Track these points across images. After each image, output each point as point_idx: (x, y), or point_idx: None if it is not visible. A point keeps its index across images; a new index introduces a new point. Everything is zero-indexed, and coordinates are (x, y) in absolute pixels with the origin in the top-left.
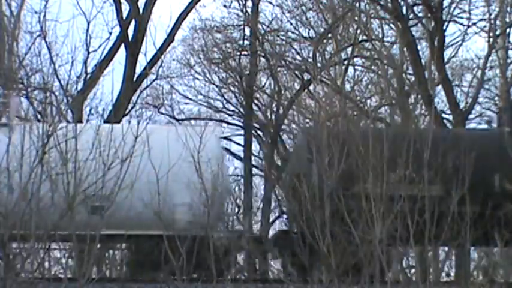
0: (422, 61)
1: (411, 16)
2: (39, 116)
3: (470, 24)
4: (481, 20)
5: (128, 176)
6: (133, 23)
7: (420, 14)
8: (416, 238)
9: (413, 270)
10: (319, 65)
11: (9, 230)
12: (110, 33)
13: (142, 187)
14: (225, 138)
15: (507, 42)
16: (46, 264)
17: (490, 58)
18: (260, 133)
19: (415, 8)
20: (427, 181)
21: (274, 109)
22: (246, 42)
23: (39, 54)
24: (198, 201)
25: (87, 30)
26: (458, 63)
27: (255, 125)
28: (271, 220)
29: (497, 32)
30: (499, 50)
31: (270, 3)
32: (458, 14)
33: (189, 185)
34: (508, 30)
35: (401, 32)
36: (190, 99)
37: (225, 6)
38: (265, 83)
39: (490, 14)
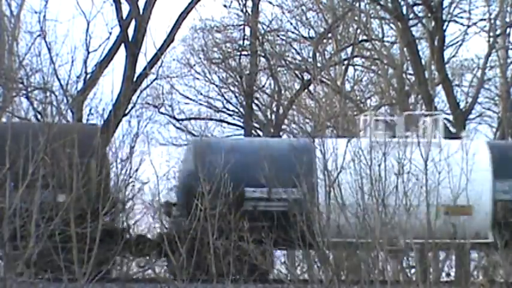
0: (422, 61)
1: (411, 16)
2: (39, 116)
3: (470, 24)
4: (481, 20)
5: None
6: (133, 23)
7: (420, 14)
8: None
9: (413, 270)
10: (319, 65)
11: (9, 230)
12: (110, 33)
13: None
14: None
15: (507, 42)
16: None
17: (490, 58)
18: (260, 133)
19: (415, 8)
20: None
21: (274, 109)
22: (246, 42)
23: (39, 54)
24: None
25: (87, 30)
26: (458, 63)
27: (255, 125)
28: None
29: (497, 32)
30: (499, 50)
31: (270, 3)
32: (458, 14)
33: None
34: (508, 30)
35: (401, 32)
36: (190, 99)
37: (225, 6)
38: (265, 83)
39: (490, 14)
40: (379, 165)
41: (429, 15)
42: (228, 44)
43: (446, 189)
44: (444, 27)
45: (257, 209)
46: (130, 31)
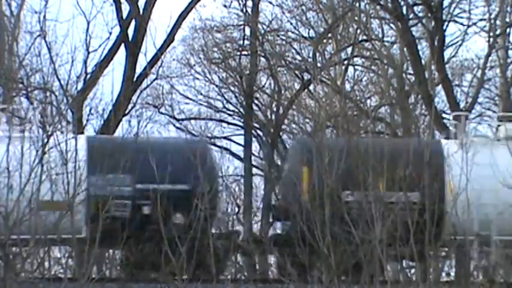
0: (422, 61)
1: (411, 16)
2: (39, 116)
3: (470, 24)
4: (481, 20)
5: None
6: (133, 23)
7: (420, 14)
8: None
9: (413, 270)
10: (319, 65)
11: (9, 231)
12: (110, 33)
13: None
14: (225, 138)
15: (507, 42)
16: (46, 264)
17: (490, 58)
18: (260, 133)
19: (415, 8)
20: None
21: (274, 109)
22: (246, 42)
23: (39, 54)
24: None
25: (87, 30)
26: (458, 63)
27: (255, 125)
28: (271, 220)
29: (497, 32)
30: (499, 50)
31: (270, 3)
32: (458, 14)
33: None
34: (508, 30)
35: (401, 32)
36: (190, 99)
37: (225, 6)
38: (265, 83)
39: (490, 14)
40: None
41: (429, 15)
42: (228, 44)
43: (45, 185)
44: (444, 27)
45: None
46: (131, 31)
